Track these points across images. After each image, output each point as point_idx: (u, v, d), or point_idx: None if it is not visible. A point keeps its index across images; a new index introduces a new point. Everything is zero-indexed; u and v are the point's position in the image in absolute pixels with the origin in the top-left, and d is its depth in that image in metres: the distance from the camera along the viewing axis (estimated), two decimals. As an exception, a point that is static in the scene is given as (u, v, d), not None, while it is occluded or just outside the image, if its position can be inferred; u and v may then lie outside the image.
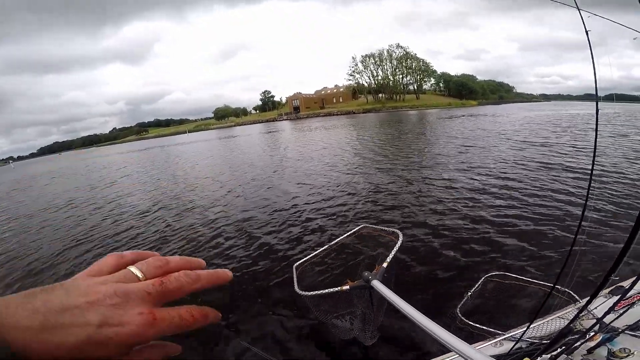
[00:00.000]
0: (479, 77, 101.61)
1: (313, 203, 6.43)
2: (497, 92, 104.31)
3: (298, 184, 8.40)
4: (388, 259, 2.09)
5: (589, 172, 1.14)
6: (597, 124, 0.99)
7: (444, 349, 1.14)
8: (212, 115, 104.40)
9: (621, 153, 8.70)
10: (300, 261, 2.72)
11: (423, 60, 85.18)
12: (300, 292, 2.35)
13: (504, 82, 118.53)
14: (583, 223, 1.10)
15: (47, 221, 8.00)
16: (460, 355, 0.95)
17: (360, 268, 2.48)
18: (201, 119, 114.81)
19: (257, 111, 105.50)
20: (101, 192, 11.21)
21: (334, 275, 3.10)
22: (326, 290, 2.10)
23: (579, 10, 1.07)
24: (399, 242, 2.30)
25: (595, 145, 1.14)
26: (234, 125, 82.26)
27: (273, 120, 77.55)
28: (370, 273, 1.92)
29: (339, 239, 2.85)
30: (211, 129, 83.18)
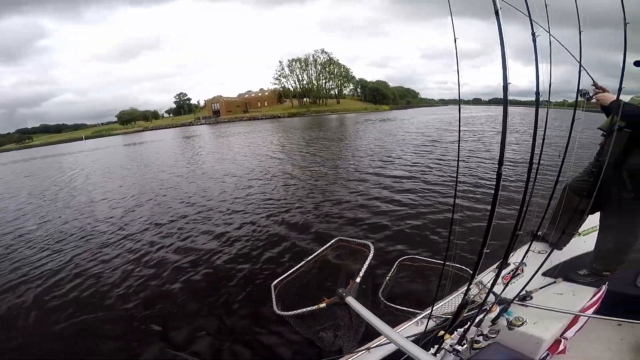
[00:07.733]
0: (391, 84, 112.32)
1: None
2: (405, 98, 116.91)
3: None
4: (361, 273, 2.17)
5: (457, 161, 1.35)
6: (459, 124, 1.18)
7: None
8: (116, 119, 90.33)
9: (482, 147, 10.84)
10: (278, 279, 2.62)
11: (344, 66, 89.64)
12: (280, 312, 2.31)
13: (411, 88, 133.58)
14: (455, 212, 1.31)
15: None
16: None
17: (338, 282, 2.51)
18: (102, 124, 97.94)
19: (171, 115, 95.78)
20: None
21: (313, 291, 2.98)
22: (305, 309, 2.09)
23: (451, 18, 1.09)
24: (371, 255, 2.38)
25: (459, 140, 1.35)
26: (142, 130, 72.73)
27: (189, 125, 71.54)
28: (345, 289, 1.97)
29: (315, 254, 2.84)
30: (115, 135, 72.01)
